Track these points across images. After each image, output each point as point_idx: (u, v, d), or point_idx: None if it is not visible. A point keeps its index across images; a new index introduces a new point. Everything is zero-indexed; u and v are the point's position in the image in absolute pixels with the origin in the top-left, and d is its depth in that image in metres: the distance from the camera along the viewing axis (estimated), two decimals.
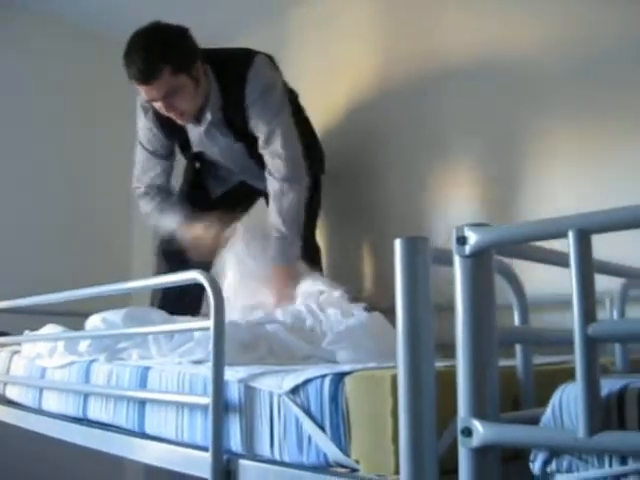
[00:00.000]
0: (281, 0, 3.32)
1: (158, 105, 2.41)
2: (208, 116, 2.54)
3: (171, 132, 2.61)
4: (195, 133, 2.63)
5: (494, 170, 2.57)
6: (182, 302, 2.59)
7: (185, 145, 2.70)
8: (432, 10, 2.83)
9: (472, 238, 0.94)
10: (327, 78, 3.27)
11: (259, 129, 2.50)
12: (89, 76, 3.63)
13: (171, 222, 2.60)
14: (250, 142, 2.57)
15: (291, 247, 2.45)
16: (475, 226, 0.95)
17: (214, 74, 2.51)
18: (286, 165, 2.46)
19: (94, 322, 2.19)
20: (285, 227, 2.43)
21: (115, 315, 2.13)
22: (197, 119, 2.56)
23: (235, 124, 2.56)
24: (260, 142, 2.51)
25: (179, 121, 2.50)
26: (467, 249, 0.94)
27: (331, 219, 3.18)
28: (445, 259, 0.99)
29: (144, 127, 2.63)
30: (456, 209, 2.67)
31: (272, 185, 2.49)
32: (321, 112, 3.13)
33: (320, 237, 3.13)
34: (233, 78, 2.50)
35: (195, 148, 2.70)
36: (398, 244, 1.00)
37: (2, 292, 2.64)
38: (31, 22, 3.50)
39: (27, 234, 3.43)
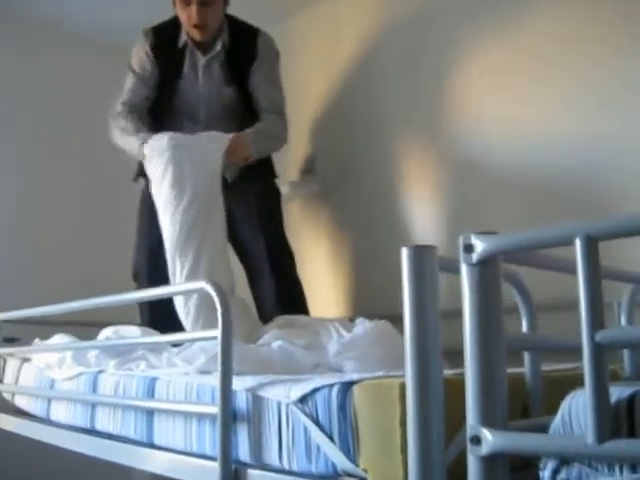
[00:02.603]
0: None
1: (188, 12, 2.60)
2: (218, 46, 2.71)
3: (165, 61, 2.74)
4: (189, 66, 2.74)
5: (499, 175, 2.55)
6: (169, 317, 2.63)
7: (170, 81, 2.77)
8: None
9: (479, 246, 0.94)
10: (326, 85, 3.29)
11: (263, 89, 2.73)
12: (89, 83, 3.64)
13: (135, 142, 2.64)
14: (240, 92, 2.74)
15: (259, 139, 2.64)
16: (481, 234, 0.95)
17: (227, 20, 2.75)
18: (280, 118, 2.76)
19: (105, 333, 2.21)
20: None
21: (128, 328, 2.16)
22: (206, 46, 2.70)
23: (235, 68, 2.72)
24: (262, 102, 2.73)
25: (197, 36, 2.66)
26: (474, 257, 0.94)
27: (329, 227, 3.19)
28: (452, 267, 0.99)
29: (140, 51, 2.75)
30: (457, 214, 2.66)
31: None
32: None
33: (323, 247, 3.15)
34: (245, 29, 2.77)
35: (181, 85, 2.76)
36: (405, 253, 1.00)
37: (13, 301, 2.65)
38: (31, 30, 3.52)
39: (38, 244, 3.44)
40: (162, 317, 2.58)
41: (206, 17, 2.62)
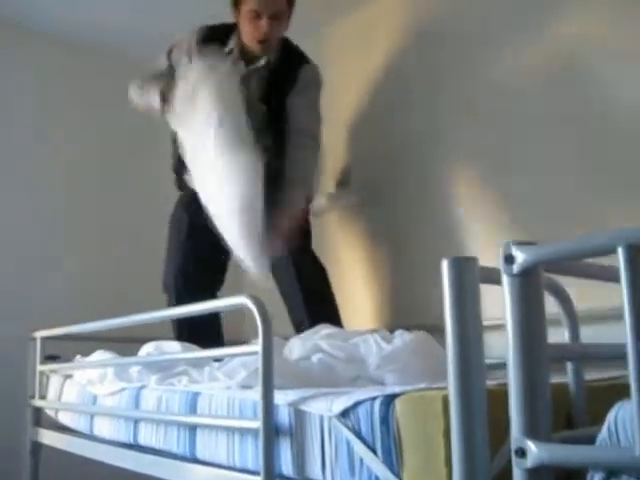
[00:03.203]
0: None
1: (256, 25, 2.62)
2: (262, 61, 2.73)
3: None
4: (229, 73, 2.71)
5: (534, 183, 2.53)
6: (206, 330, 2.67)
7: None
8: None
9: (520, 257, 0.93)
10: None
11: (302, 112, 2.72)
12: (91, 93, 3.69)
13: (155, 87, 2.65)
14: (272, 112, 2.72)
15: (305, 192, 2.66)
16: (522, 244, 0.94)
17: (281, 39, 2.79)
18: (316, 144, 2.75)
19: (147, 349, 2.24)
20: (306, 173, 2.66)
21: (169, 344, 2.18)
22: (251, 59, 2.71)
23: (274, 88, 2.72)
24: (298, 124, 2.71)
25: (259, 50, 2.69)
26: (515, 268, 0.93)
27: (367, 238, 3.20)
28: (493, 278, 0.99)
29: (184, 43, 2.75)
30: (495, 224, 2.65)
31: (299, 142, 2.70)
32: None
33: (360, 259, 3.15)
34: (295, 53, 2.80)
35: None
36: (446, 264, 1.00)
37: (55, 318, 2.70)
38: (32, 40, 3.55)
39: (76, 261, 3.49)
40: (196, 329, 2.62)
41: (272, 29, 2.65)
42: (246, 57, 2.74)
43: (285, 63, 2.76)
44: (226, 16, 2.74)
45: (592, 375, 1.53)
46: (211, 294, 2.77)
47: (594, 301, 1.86)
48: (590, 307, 1.89)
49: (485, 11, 2.77)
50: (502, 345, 0.95)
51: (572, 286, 1.22)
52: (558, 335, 1.20)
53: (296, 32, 2.81)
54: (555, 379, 1.03)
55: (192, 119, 2.50)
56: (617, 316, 0.88)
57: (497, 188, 2.66)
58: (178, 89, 2.55)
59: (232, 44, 2.75)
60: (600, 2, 2.39)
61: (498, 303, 0.97)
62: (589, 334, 1.39)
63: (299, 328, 2.51)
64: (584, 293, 1.50)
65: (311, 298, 2.66)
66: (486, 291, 1.00)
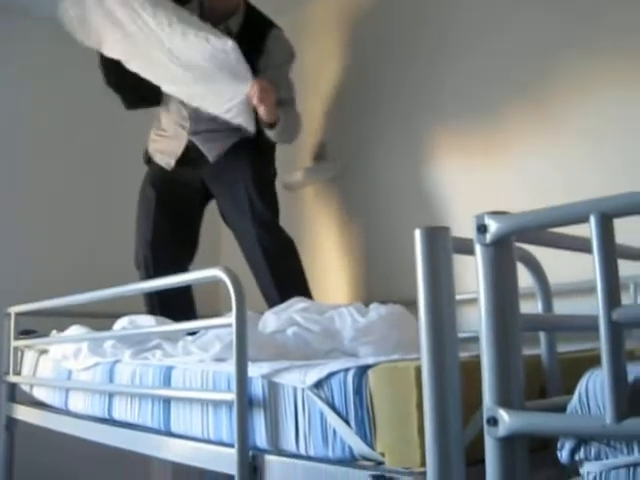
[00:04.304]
0: None
1: None
2: (229, 25, 2.70)
3: None
4: None
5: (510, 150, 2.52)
6: (178, 304, 2.67)
7: None
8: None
9: (492, 226, 0.93)
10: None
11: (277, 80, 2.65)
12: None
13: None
14: None
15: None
16: (495, 214, 0.94)
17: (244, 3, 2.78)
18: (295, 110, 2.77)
19: (121, 323, 2.22)
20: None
21: (144, 318, 2.17)
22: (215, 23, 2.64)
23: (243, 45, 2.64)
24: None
25: (225, 3, 2.70)
26: (488, 237, 0.93)
27: (342, 212, 3.19)
28: (466, 248, 0.98)
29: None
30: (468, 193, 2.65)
31: None
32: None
33: (336, 233, 3.15)
34: (259, 19, 2.78)
35: None
36: (418, 234, 1.00)
37: (30, 293, 2.67)
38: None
39: (53, 234, 3.45)
40: (167, 302, 2.61)
41: None
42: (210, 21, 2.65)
43: (251, 28, 2.72)
44: None
45: (565, 347, 1.54)
46: (182, 268, 2.75)
47: (567, 275, 1.87)
48: (563, 281, 1.90)
49: None
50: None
51: (547, 256, 1.22)
52: (532, 309, 1.20)
53: (273, 11, 2.79)
54: (528, 351, 1.03)
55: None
56: (590, 289, 0.88)
57: (477, 160, 2.64)
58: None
59: (194, 5, 2.72)
60: None
61: None
62: (562, 308, 1.40)
63: (271, 305, 2.49)
64: (558, 267, 1.50)
65: (279, 275, 2.64)
66: (467, 264, 1.00)
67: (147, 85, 2.60)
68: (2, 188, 3.42)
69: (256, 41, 2.69)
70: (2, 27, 3.40)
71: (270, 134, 2.67)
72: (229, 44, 2.39)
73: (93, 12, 2.54)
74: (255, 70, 2.59)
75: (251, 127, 2.56)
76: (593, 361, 0.93)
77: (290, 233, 2.76)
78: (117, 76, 2.68)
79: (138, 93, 2.75)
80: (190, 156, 2.79)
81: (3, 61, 3.48)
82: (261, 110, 2.50)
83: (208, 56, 2.43)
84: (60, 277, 3.23)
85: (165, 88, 2.62)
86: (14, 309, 2.74)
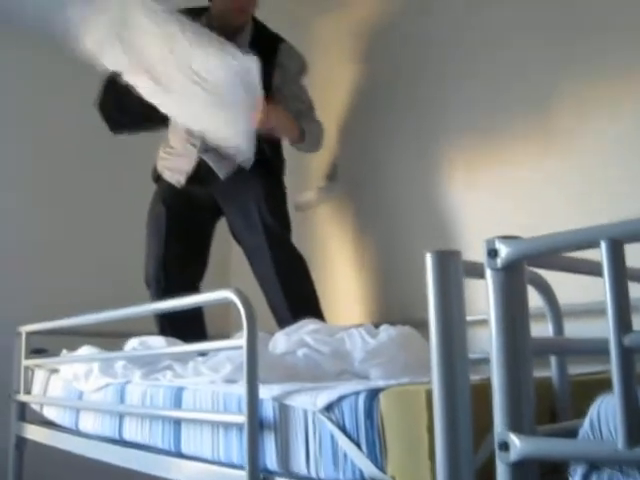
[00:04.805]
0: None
1: None
2: (238, 41, 2.69)
3: None
4: None
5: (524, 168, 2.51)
6: (188, 324, 2.67)
7: None
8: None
9: (503, 250, 0.93)
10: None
11: (294, 93, 2.74)
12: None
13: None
14: None
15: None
16: (506, 238, 0.94)
17: (252, 20, 2.82)
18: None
19: (132, 344, 2.23)
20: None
21: (154, 339, 2.18)
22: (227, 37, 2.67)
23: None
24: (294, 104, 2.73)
25: (236, 19, 2.75)
26: (499, 262, 0.93)
27: (354, 232, 3.20)
28: (477, 272, 0.99)
29: None
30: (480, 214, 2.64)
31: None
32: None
33: (348, 253, 3.15)
34: (268, 34, 2.82)
35: None
36: (429, 258, 1.00)
37: (40, 312, 2.68)
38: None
39: (65, 254, 3.48)
40: (178, 322, 2.62)
41: (249, 2, 2.72)
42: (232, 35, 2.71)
43: (260, 44, 2.74)
44: None
45: (576, 370, 1.53)
46: (193, 286, 2.76)
47: (577, 296, 1.86)
48: (573, 302, 1.90)
49: None
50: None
51: (555, 280, 1.22)
52: (542, 330, 1.20)
53: (286, 26, 2.81)
54: (539, 373, 1.03)
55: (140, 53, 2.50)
56: (600, 310, 0.88)
57: (486, 180, 2.64)
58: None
59: (203, 22, 2.74)
60: None
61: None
62: (572, 329, 1.40)
63: (281, 324, 2.48)
64: (567, 288, 1.50)
65: (291, 294, 2.62)
66: (478, 285, 1.00)
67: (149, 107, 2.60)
68: (14, 207, 3.45)
69: (268, 56, 2.69)
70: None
71: (300, 147, 2.74)
72: (255, 60, 2.38)
73: (111, 36, 2.53)
74: (271, 86, 2.62)
75: (250, 154, 2.54)
76: (604, 384, 0.93)
77: (301, 253, 2.76)
78: (120, 99, 2.70)
79: (139, 115, 2.75)
80: (200, 174, 2.81)
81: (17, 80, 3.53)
82: (280, 132, 2.51)
83: (232, 74, 2.42)
84: (70, 296, 3.24)
85: (168, 111, 2.61)
86: (25, 328, 2.75)
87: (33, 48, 3.39)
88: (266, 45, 2.75)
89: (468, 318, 1.02)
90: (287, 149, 2.91)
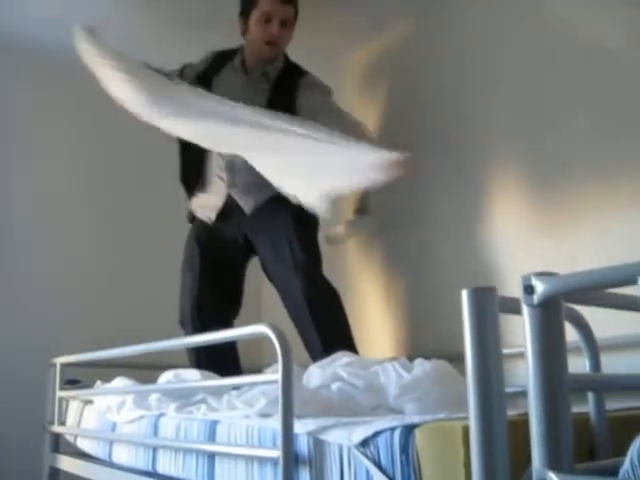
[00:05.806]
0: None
1: (266, 29, 2.78)
2: (268, 70, 2.85)
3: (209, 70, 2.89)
4: (230, 84, 2.82)
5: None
6: (223, 358, 2.68)
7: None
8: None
9: (539, 287, 0.93)
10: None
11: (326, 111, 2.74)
12: None
13: None
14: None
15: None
16: (542, 275, 0.94)
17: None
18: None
19: (166, 377, 2.24)
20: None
21: (189, 372, 2.19)
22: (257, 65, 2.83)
23: (279, 90, 2.81)
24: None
25: (268, 52, 2.83)
26: (535, 298, 0.93)
27: (386, 266, 3.19)
28: (513, 308, 0.99)
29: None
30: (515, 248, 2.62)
31: None
32: None
33: (378, 287, 3.14)
34: (294, 67, 2.91)
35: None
36: (465, 295, 1.00)
37: (73, 343, 2.71)
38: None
39: (99, 288, 3.53)
40: (213, 356, 2.62)
41: (282, 34, 2.81)
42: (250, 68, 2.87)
43: (287, 77, 2.85)
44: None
45: (614, 405, 1.52)
46: (228, 323, 2.78)
47: (614, 330, 1.84)
48: (611, 336, 1.88)
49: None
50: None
51: (591, 311, 1.21)
52: (578, 364, 1.19)
53: (314, 58, 2.86)
54: (577, 409, 1.03)
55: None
56: (638, 343, 0.88)
57: (524, 217, 2.62)
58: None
59: (237, 60, 2.88)
60: None
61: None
62: (609, 362, 1.39)
63: (314, 358, 2.46)
64: (604, 321, 1.49)
65: (323, 327, 2.60)
66: (514, 318, 1.00)
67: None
68: (51, 241, 3.50)
69: (292, 81, 2.83)
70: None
71: None
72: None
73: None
74: (292, 112, 2.61)
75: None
76: None
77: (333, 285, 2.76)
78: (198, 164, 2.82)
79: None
80: (230, 209, 2.83)
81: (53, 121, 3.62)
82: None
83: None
84: (105, 329, 3.28)
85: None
86: (60, 360, 2.78)
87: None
88: (291, 76, 2.86)
89: (506, 351, 1.02)
90: None
